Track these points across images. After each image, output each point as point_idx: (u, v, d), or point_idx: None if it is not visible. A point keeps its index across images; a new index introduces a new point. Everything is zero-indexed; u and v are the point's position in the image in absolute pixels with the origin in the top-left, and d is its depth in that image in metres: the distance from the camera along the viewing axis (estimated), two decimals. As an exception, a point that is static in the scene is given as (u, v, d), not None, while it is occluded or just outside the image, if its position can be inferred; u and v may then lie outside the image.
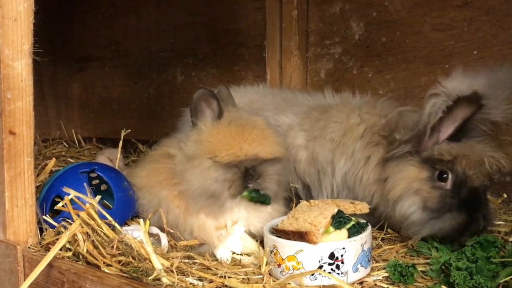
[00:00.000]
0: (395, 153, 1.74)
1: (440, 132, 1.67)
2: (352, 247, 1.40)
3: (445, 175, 1.66)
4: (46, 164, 2.25)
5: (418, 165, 1.70)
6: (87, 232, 1.57)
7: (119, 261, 1.48)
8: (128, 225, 1.86)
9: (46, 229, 1.71)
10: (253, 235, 1.73)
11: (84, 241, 1.54)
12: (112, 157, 2.79)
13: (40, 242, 1.67)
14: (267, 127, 1.74)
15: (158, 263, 1.43)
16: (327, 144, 1.94)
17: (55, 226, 1.69)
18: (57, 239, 1.57)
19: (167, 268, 1.44)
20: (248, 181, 1.65)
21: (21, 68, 1.58)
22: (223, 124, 1.69)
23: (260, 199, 1.68)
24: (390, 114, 1.86)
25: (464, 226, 1.62)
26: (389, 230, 1.88)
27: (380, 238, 1.81)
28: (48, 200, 1.80)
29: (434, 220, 1.65)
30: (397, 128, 1.80)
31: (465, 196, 1.64)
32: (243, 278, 1.43)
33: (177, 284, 1.37)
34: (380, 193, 1.78)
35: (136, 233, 1.61)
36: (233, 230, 1.69)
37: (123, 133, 2.27)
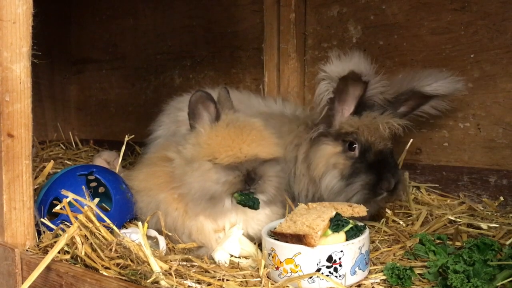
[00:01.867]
0: (310, 137, 1.96)
1: (343, 110, 1.92)
2: (350, 250, 1.41)
3: (354, 145, 1.90)
4: (44, 167, 2.25)
5: (331, 143, 1.93)
6: (85, 235, 1.57)
7: (118, 264, 1.48)
8: (126, 228, 1.86)
9: (44, 232, 1.71)
10: (251, 238, 1.73)
11: (82, 243, 1.54)
12: (109, 160, 2.78)
13: (38, 245, 1.66)
14: (264, 128, 1.75)
15: (156, 266, 1.43)
16: None
17: (53, 229, 1.69)
18: (55, 242, 1.57)
19: (165, 271, 1.44)
20: (250, 184, 1.65)
21: (20, 70, 1.58)
22: (221, 126, 1.69)
23: (248, 202, 1.65)
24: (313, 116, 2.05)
25: (373, 184, 1.85)
26: (387, 231, 1.89)
27: (377, 241, 1.81)
28: (46, 203, 1.79)
29: (349, 186, 1.87)
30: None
31: (371, 160, 1.88)
32: (241, 281, 1.44)
33: (175, 287, 1.37)
34: (309, 178, 1.96)
35: (134, 236, 1.61)
36: (231, 232, 1.69)
37: (126, 138, 2.25)
